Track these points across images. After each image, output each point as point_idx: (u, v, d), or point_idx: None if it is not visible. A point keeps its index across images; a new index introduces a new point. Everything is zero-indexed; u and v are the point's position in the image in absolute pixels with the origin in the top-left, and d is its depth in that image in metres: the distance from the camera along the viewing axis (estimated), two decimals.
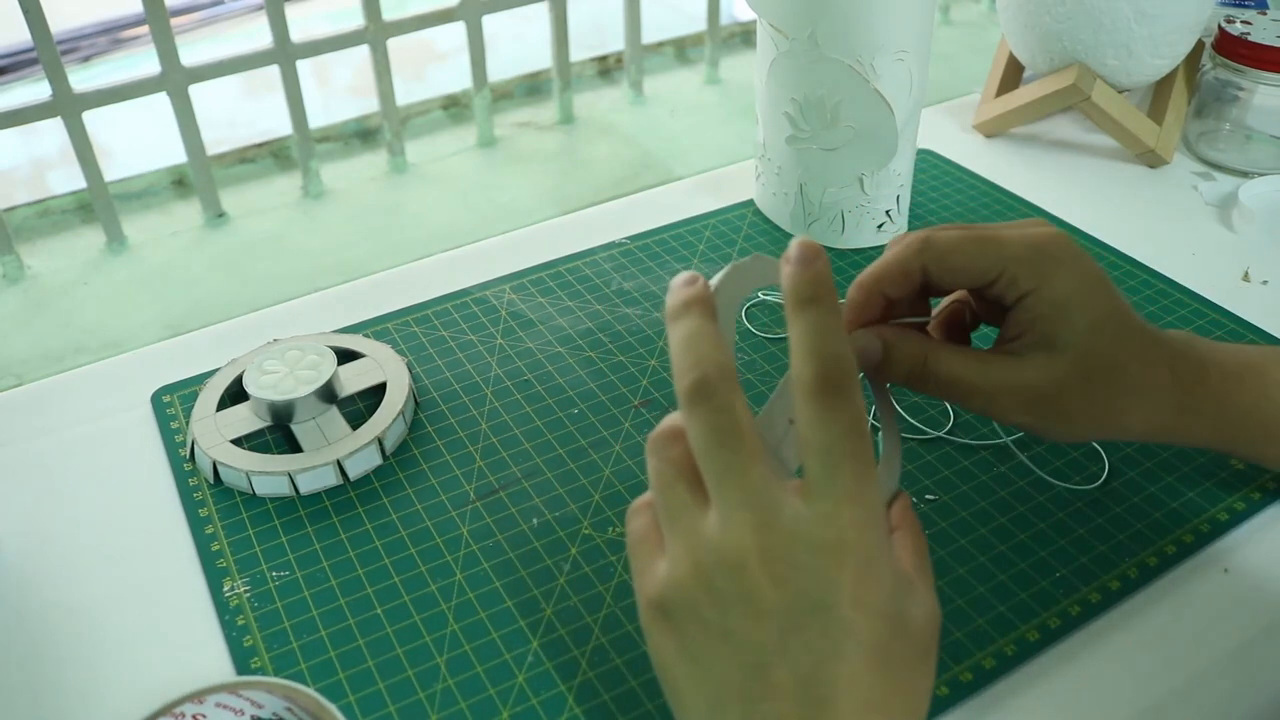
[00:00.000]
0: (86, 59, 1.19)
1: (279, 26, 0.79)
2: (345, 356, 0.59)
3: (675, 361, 0.34)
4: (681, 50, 1.08)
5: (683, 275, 0.36)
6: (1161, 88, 0.80)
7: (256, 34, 0.83)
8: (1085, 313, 0.40)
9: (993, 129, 0.82)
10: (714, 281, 0.37)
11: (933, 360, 0.40)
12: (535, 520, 0.51)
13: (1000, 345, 0.42)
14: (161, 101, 0.77)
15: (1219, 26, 0.76)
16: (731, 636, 0.32)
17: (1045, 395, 0.40)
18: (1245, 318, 0.62)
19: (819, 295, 0.33)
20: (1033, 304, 0.40)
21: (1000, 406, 0.41)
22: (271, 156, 0.91)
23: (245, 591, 0.48)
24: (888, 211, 0.68)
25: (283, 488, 0.52)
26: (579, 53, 0.98)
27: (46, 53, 0.71)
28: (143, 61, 0.77)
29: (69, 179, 0.84)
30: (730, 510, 0.32)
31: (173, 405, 0.58)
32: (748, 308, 0.64)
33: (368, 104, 0.91)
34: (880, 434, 0.41)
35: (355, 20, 0.82)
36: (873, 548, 0.31)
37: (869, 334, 0.41)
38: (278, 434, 0.56)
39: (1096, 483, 0.52)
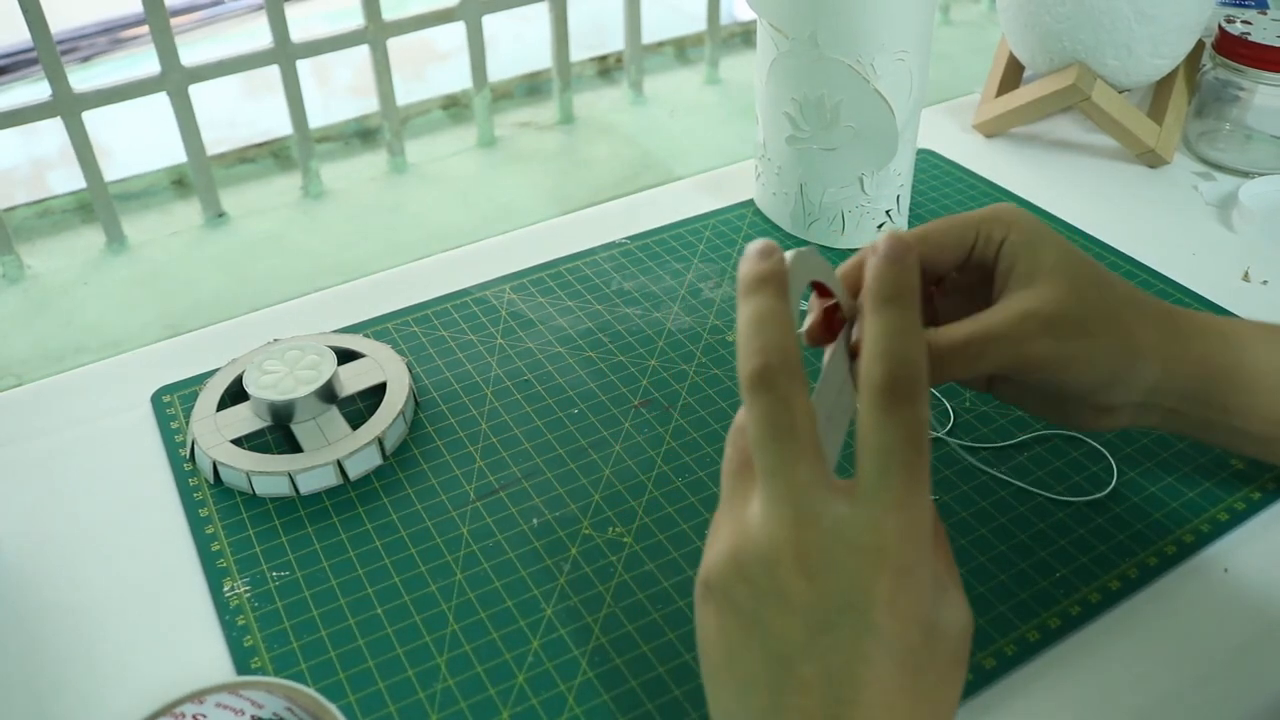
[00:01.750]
0: (86, 59, 1.19)
1: (279, 26, 0.79)
2: (345, 356, 0.59)
3: (741, 342, 0.33)
4: (681, 50, 1.08)
5: (759, 244, 0.35)
6: (1162, 88, 0.80)
7: (256, 34, 0.83)
8: (1056, 244, 0.42)
9: (993, 129, 0.82)
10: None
11: (935, 336, 0.40)
12: (535, 520, 0.51)
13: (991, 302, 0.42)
14: (161, 101, 0.77)
15: (1219, 26, 0.76)
16: (762, 627, 0.32)
17: (1053, 315, 0.40)
18: (1245, 318, 0.62)
19: (902, 295, 0.33)
20: (1011, 245, 0.41)
21: (1021, 347, 0.40)
22: (271, 156, 0.91)
23: (245, 591, 0.48)
24: (888, 211, 0.68)
25: (283, 488, 0.52)
26: (579, 53, 0.98)
27: (46, 53, 0.71)
28: (143, 61, 0.77)
29: (69, 179, 0.84)
30: (771, 504, 0.32)
31: (173, 405, 0.58)
32: None
33: (368, 104, 0.91)
34: None
35: (355, 20, 0.82)
36: (914, 557, 0.31)
37: None
38: (278, 434, 0.56)
39: (1105, 490, 0.52)
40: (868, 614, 0.31)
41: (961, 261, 0.42)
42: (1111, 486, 0.52)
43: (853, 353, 0.39)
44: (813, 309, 0.40)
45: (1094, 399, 0.43)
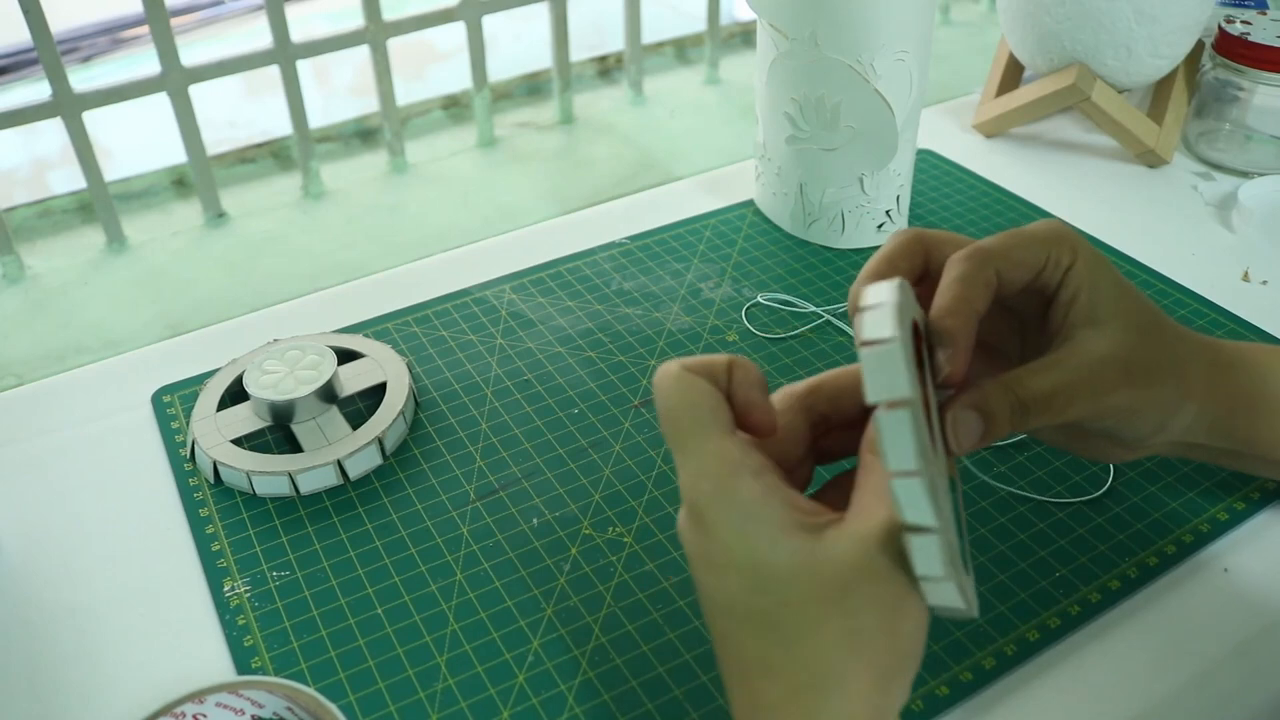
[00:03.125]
0: (86, 59, 1.19)
1: (279, 26, 0.79)
2: (345, 356, 0.59)
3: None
4: (681, 50, 1.08)
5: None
6: (1161, 88, 0.80)
7: (256, 34, 0.83)
8: (1115, 278, 0.41)
9: (993, 129, 0.82)
10: (891, 304, 0.32)
11: (1019, 389, 0.39)
12: (535, 520, 0.51)
13: (1049, 347, 0.41)
14: (161, 101, 0.77)
15: (1219, 26, 0.76)
16: None
17: (1127, 360, 0.40)
18: (1245, 318, 0.62)
19: None
20: (1076, 273, 0.40)
21: (1101, 398, 0.39)
22: (271, 156, 0.91)
23: (245, 591, 0.48)
24: (888, 211, 0.68)
25: (283, 488, 0.52)
26: (579, 53, 0.98)
27: (46, 53, 0.71)
28: (143, 61, 0.77)
29: (69, 179, 0.84)
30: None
31: (173, 405, 0.58)
32: (747, 308, 0.64)
33: (368, 104, 0.91)
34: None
35: (355, 20, 0.82)
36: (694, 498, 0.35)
37: (962, 411, 0.38)
38: (278, 434, 0.56)
39: (1102, 489, 0.52)
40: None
41: (1028, 283, 0.40)
42: (1108, 485, 0.52)
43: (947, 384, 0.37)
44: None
45: (1132, 441, 0.42)
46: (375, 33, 0.83)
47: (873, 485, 0.34)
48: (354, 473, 0.53)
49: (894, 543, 0.32)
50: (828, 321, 0.63)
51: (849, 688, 0.32)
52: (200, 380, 0.60)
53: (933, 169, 0.78)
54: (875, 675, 0.33)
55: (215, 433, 0.54)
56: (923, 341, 0.37)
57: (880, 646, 0.33)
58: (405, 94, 0.91)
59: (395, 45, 0.84)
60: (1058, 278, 0.40)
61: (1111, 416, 0.40)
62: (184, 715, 0.41)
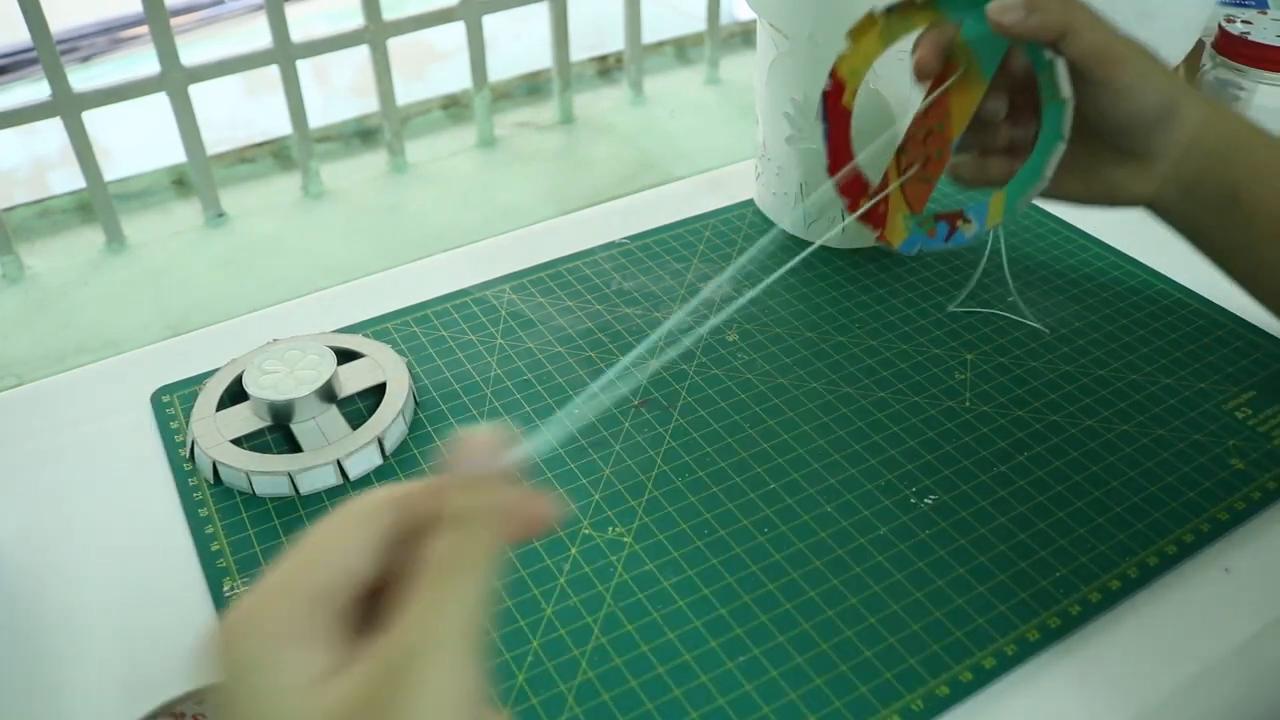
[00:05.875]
0: (86, 59, 1.19)
1: (279, 26, 0.79)
2: (345, 356, 0.59)
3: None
4: (681, 50, 1.08)
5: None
6: None
7: (256, 34, 0.83)
8: None
9: None
10: None
11: None
12: None
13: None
14: (161, 101, 0.77)
15: (1219, 26, 0.76)
16: None
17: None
18: (1245, 318, 0.62)
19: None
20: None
21: (1098, 23, 0.45)
22: (271, 156, 0.91)
23: (245, 592, 0.48)
24: None
25: (283, 488, 0.52)
26: (579, 53, 0.98)
27: (46, 52, 0.71)
28: (143, 61, 0.77)
29: (69, 179, 0.84)
30: None
31: (173, 405, 0.58)
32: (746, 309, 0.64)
33: (368, 104, 0.91)
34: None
35: (355, 20, 0.82)
36: None
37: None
38: (278, 434, 0.56)
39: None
40: None
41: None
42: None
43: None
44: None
45: (1145, 134, 0.47)
46: (375, 33, 0.83)
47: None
48: (354, 473, 0.53)
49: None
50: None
51: None
52: (200, 380, 0.60)
53: None
54: None
55: (215, 433, 0.54)
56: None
57: None
58: (405, 94, 0.91)
59: (395, 45, 0.84)
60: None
61: (1106, 48, 0.45)
62: (184, 715, 0.41)
